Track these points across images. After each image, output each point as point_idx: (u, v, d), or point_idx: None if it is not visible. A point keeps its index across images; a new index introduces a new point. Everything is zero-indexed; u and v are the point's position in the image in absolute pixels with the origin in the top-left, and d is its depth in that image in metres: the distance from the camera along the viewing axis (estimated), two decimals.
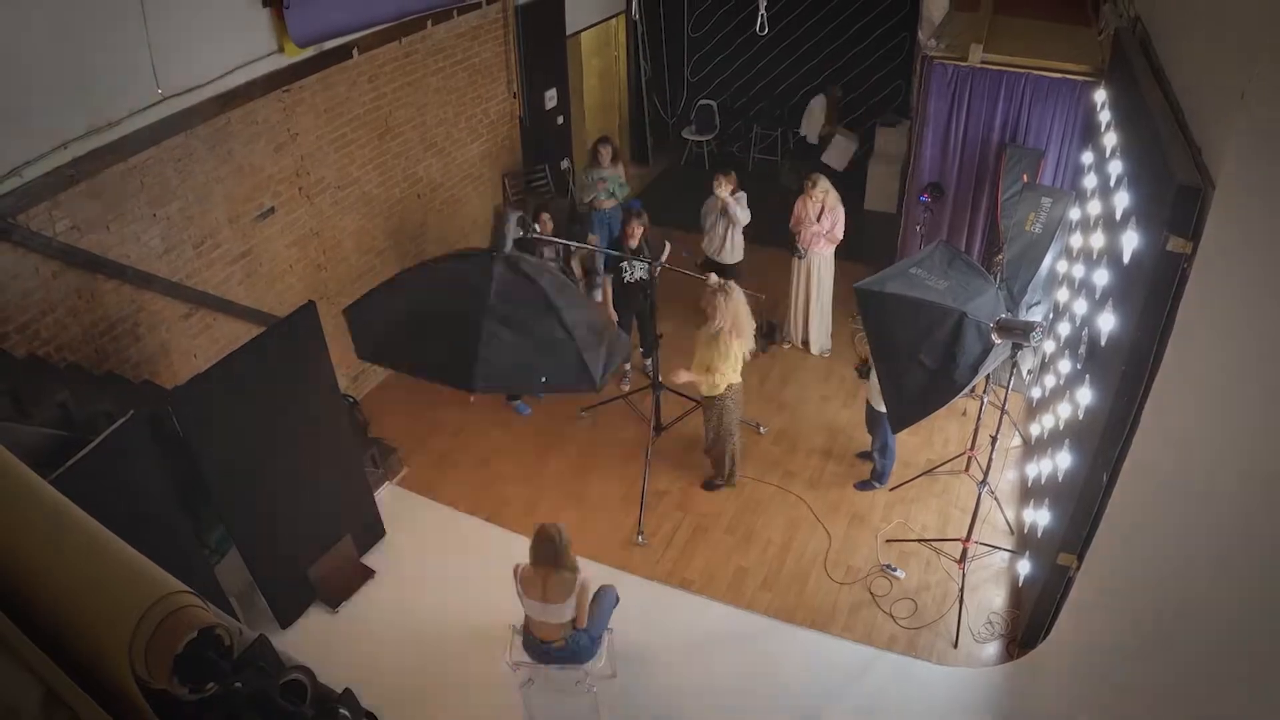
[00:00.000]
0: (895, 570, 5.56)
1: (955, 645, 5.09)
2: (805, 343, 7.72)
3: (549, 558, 4.28)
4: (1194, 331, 3.27)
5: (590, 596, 4.47)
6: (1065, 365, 5.61)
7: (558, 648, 4.44)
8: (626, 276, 6.69)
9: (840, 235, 7.14)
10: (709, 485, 6.32)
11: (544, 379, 4.09)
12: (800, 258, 7.26)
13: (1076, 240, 5.96)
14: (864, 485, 6.28)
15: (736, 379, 5.79)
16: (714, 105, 11.00)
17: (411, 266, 4.68)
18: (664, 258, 6.76)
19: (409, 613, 5.40)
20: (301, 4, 5.54)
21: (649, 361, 6.99)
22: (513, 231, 4.09)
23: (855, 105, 10.39)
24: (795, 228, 7.22)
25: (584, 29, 9.48)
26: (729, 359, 5.64)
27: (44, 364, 4.75)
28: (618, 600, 4.77)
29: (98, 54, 4.65)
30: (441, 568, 5.69)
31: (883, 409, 5.59)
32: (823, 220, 7.04)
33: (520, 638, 4.59)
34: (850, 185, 8.77)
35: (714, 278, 6.02)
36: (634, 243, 6.54)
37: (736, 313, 5.58)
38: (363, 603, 5.45)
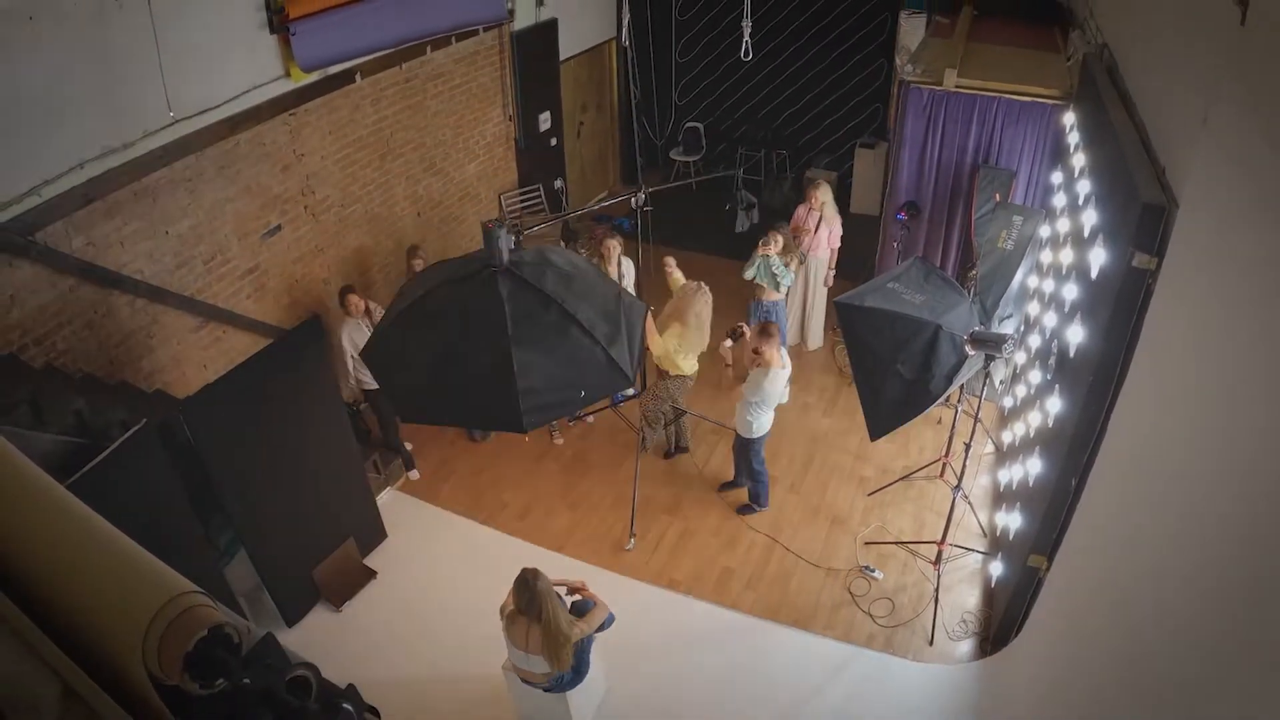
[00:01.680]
0: (874, 571, 5.71)
1: (931, 643, 5.23)
2: (801, 340, 8.07)
3: (527, 607, 4.09)
4: (1159, 343, 3.36)
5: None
6: (1036, 376, 5.71)
7: (540, 684, 4.41)
8: None
9: (838, 243, 7.48)
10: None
11: (582, 393, 3.77)
12: (801, 262, 7.48)
13: (1047, 256, 6.07)
14: (745, 509, 6.26)
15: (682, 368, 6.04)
16: (701, 127, 11.23)
17: (409, 295, 4.06)
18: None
19: (409, 612, 5.54)
20: (307, 31, 5.76)
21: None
22: (506, 243, 3.80)
23: (836, 127, 10.70)
24: (793, 233, 7.41)
25: (577, 54, 9.72)
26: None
27: (60, 374, 4.87)
28: (611, 621, 4.53)
29: (113, 79, 4.82)
30: (440, 569, 5.84)
31: (749, 436, 5.86)
32: (820, 230, 7.31)
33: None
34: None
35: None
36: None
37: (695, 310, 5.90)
38: (365, 602, 5.60)
